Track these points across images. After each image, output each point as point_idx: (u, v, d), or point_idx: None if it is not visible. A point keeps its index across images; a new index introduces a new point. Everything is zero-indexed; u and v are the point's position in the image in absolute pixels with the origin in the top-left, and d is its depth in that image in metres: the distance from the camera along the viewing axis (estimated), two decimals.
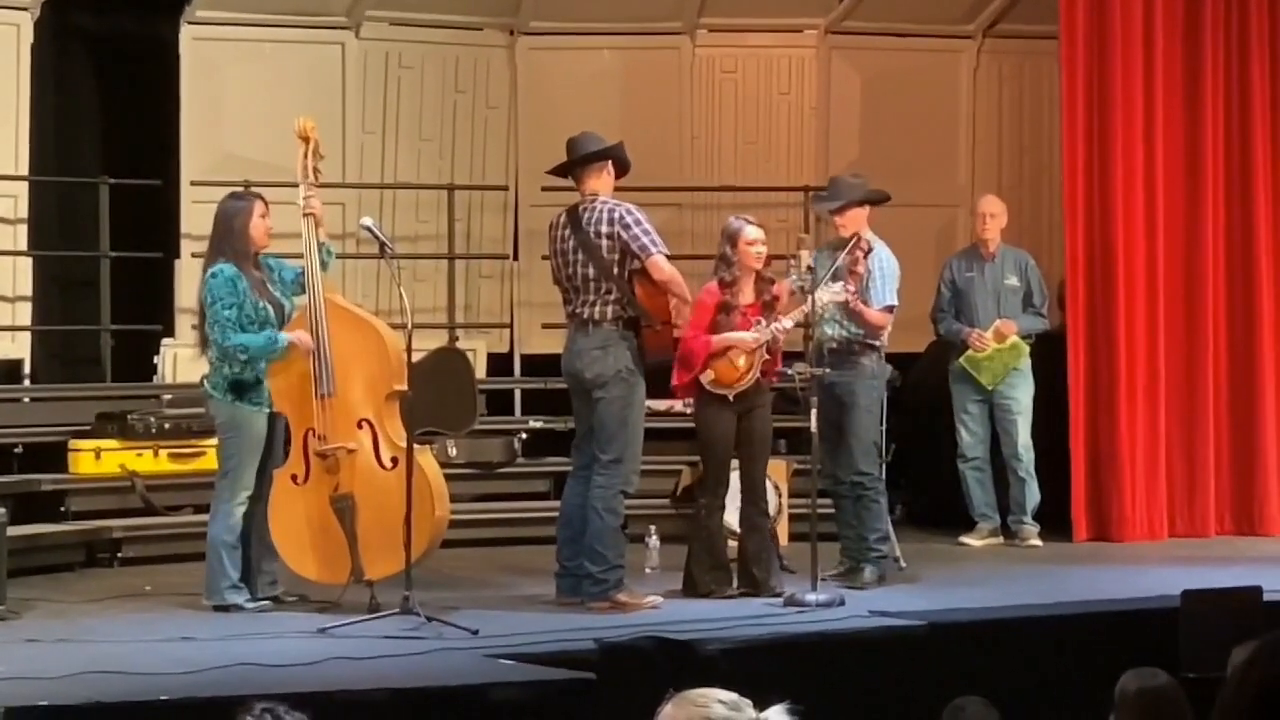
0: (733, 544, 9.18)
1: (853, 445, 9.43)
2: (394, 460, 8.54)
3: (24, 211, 11.44)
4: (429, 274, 12.23)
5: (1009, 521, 11.08)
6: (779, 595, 8.78)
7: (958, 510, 11.15)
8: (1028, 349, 11.11)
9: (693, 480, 10.56)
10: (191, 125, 11.74)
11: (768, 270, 9.16)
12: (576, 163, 8.96)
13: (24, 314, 11.47)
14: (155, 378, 11.54)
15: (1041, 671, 8.00)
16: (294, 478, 8.67)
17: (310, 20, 12.00)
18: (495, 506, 11.27)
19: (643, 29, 12.66)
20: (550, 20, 12.53)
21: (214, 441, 9.27)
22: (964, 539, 11.03)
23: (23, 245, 11.46)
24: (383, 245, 8.64)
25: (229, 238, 8.71)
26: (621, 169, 9.01)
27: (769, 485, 9.50)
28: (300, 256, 8.76)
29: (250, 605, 8.58)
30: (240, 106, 11.80)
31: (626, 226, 8.76)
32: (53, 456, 10.63)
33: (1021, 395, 11.08)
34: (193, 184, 11.62)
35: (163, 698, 6.47)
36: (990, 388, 11.05)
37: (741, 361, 8.97)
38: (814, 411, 8.86)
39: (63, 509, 10.37)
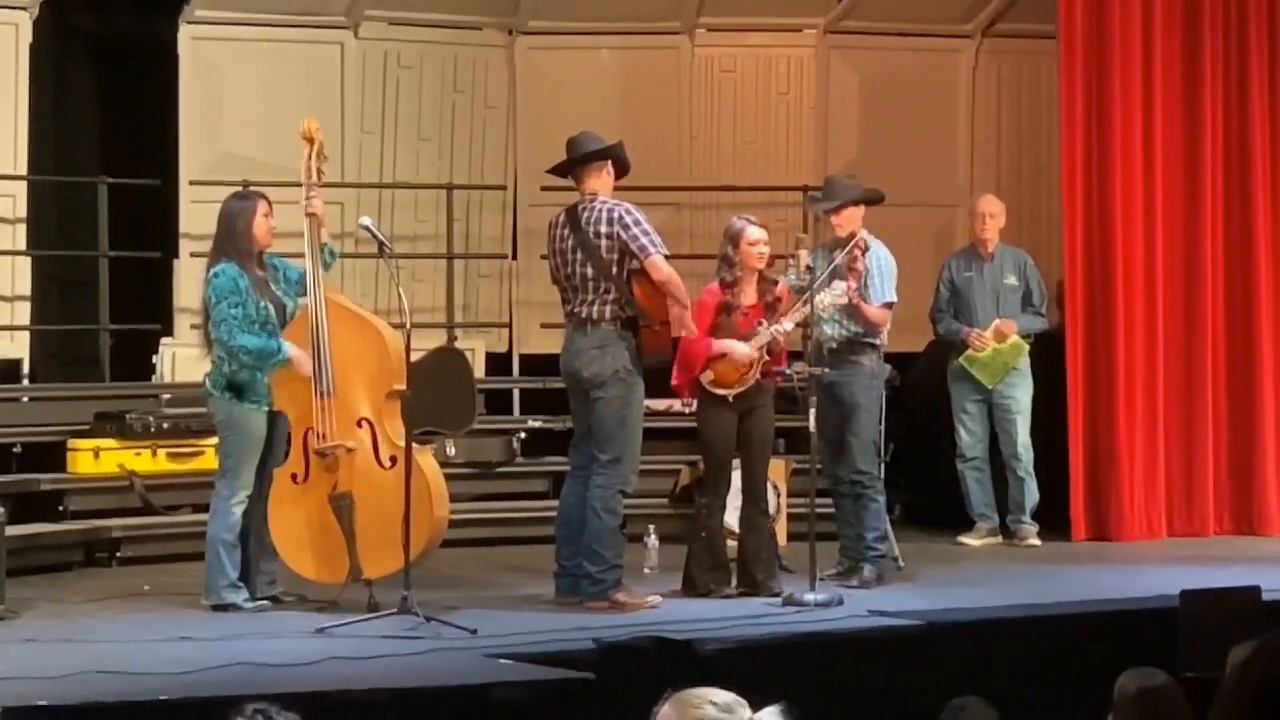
0: (732, 544, 9.18)
1: (852, 445, 9.43)
2: (393, 460, 8.54)
3: (23, 211, 11.43)
4: (428, 274, 12.21)
5: (1008, 521, 11.08)
6: (778, 595, 8.78)
7: (956, 510, 11.14)
8: (1027, 349, 11.11)
9: (691, 480, 10.56)
10: (190, 125, 11.73)
11: (769, 271, 9.17)
12: (576, 162, 8.95)
13: (23, 313, 11.46)
14: (154, 377, 11.54)
15: (1040, 671, 7.99)
16: (294, 477, 8.66)
17: (309, 20, 11.99)
18: (494, 506, 11.27)
19: (642, 29, 12.65)
20: (549, 20, 12.52)
21: (213, 441, 9.29)
22: (963, 539, 11.04)
23: (22, 245, 11.45)
24: (381, 245, 8.63)
25: (232, 237, 8.71)
26: (621, 169, 8.99)
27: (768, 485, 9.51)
28: (301, 256, 8.77)
29: (249, 605, 8.58)
30: (239, 106, 11.79)
31: (625, 226, 8.74)
32: (51, 456, 10.62)
33: (1020, 395, 11.08)
34: (191, 184, 11.62)
35: (161, 697, 6.47)
36: (989, 387, 11.06)
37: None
38: (813, 411, 8.86)
39: (61, 508, 10.36)
